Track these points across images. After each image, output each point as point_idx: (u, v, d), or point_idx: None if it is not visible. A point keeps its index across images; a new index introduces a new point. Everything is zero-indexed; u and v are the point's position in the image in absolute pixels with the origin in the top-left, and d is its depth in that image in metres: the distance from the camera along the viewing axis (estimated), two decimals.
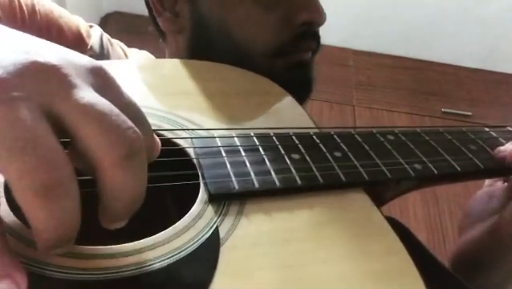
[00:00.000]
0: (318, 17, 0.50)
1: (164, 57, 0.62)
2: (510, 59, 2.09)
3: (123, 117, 0.23)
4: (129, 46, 0.64)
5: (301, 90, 0.51)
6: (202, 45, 0.52)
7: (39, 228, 0.21)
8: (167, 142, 0.34)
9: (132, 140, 0.22)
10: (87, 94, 0.22)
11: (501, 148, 0.39)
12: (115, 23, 1.91)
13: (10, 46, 0.23)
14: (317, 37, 0.53)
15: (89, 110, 0.22)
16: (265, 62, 0.49)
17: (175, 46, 0.56)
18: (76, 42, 0.54)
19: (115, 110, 0.23)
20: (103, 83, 0.24)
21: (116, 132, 0.22)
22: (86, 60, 0.25)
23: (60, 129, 0.22)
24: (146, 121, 0.25)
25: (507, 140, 0.41)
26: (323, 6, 0.51)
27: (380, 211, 0.33)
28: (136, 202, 0.24)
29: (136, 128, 0.23)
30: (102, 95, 0.23)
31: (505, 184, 0.43)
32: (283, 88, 0.47)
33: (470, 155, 0.38)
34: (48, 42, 0.25)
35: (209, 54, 0.50)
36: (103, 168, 0.22)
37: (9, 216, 0.26)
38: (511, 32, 1.98)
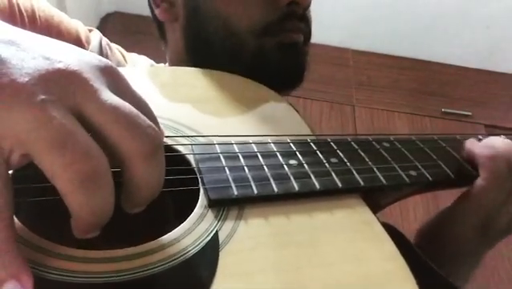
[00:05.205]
0: None
1: (165, 59, 0.63)
2: (510, 59, 2.09)
3: (143, 116, 0.25)
4: (129, 46, 0.65)
5: (292, 73, 0.54)
6: (195, 28, 0.55)
7: (80, 214, 0.23)
8: (167, 149, 0.35)
9: (153, 137, 0.25)
10: (108, 96, 0.24)
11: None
12: (115, 23, 1.91)
13: (28, 51, 0.24)
14: (305, 20, 0.54)
15: (114, 111, 0.24)
16: (253, 40, 0.51)
17: (173, 37, 0.59)
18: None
19: (135, 110, 0.25)
20: (115, 82, 0.26)
21: (139, 130, 0.24)
22: (97, 60, 0.26)
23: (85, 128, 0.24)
24: (154, 116, 0.28)
25: None
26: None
27: (377, 217, 0.33)
28: (156, 191, 0.26)
29: (154, 126, 0.25)
30: (115, 94, 0.25)
31: None
32: (275, 71, 0.51)
33: (464, 162, 0.39)
34: (62, 44, 0.26)
35: (202, 37, 0.54)
36: (130, 162, 0.24)
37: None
38: (511, 32, 1.98)
